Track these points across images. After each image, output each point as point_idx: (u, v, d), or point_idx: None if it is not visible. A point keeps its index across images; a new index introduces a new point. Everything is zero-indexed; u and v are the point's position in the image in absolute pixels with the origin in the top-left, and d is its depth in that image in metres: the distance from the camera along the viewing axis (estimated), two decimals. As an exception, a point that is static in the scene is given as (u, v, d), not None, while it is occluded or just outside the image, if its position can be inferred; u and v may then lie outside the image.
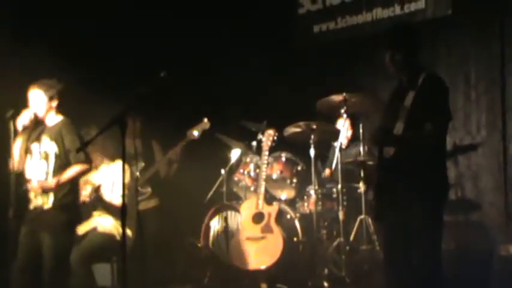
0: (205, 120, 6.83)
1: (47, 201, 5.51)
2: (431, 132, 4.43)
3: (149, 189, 6.86)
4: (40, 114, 5.59)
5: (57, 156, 5.56)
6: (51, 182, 5.49)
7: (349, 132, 7.34)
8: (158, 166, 6.80)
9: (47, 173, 5.56)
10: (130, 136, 6.70)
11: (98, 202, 6.29)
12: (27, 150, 5.63)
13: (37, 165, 5.58)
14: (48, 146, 5.58)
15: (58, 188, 5.48)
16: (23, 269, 5.52)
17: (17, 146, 5.62)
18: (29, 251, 5.52)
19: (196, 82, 8.17)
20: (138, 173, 6.72)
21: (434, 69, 6.92)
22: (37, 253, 5.48)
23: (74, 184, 5.63)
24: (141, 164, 6.84)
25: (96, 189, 6.23)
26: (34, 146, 5.62)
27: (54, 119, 5.66)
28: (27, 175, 5.61)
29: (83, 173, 5.65)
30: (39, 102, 5.59)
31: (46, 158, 5.57)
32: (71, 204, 5.61)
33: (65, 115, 5.70)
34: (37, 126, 5.67)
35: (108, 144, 6.20)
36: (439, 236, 4.55)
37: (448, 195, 4.61)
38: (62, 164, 5.54)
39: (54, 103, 5.63)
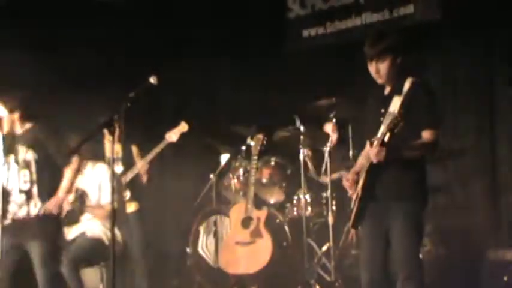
0: (183, 123, 6.82)
1: (33, 210, 5.47)
2: (434, 142, 4.36)
3: (128, 193, 6.83)
4: (5, 127, 5.53)
5: (38, 163, 5.52)
6: (59, 196, 5.46)
7: (335, 136, 7.32)
8: (137, 170, 6.77)
9: (32, 181, 5.51)
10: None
11: (84, 206, 6.27)
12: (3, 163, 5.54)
13: (18, 176, 5.52)
14: (26, 154, 5.53)
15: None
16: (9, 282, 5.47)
17: None
18: (15, 264, 5.47)
19: (182, 84, 8.15)
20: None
21: (423, 72, 6.98)
22: (23, 265, 5.43)
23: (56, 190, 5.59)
24: (120, 168, 6.82)
25: (81, 195, 6.20)
26: (10, 158, 5.56)
27: (22, 127, 5.60)
28: (8, 187, 5.54)
29: (78, 170, 5.61)
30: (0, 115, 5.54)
31: (27, 166, 5.52)
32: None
33: (35, 120, 5.62)
34: (7, 138, 5.58)
35: (86, 147, 6.16)
36: (418, 242, 4.52)
37: (428, 201, 4.56)
38: (46, 169, 5.50)
39: (16, 114, 5.57)
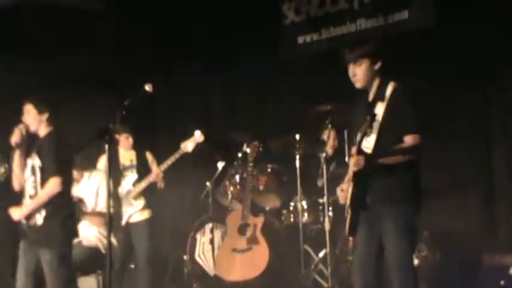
0: (199, 133, 6.80)
1: (39, 217, 5.49)
2: (415, 146, 4.38)
3: (142, 202, 6.83)
4: (32, 128, 5.60)
5: (42, 170, 5.54)
6: (29, 208, 5.49)
7: (335, 143, 7.34)
8: (152, 178, 6.76)
9: (35, 188, 5.54)
10: (127, 149, 6.75)
11: (81, 214, 6.28)
12: (23, 166, 5.61)
13: (29, 180, 5.57)
14: (35, 160, 5.57)
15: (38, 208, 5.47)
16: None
17: (15, 164, 5.60)
18: (30, 269, 5.48)
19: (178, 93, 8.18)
20: (131, 186, 6.72)
21: (418, 77, 7.00)
22: (38, 271, 5.44)
23: (66, 197, 5.60)
24: (135, 176, 6.82)
25: (77, 203, 6.22)
26: (28, 161, 5.61)
27: (44, 131, 5.66)
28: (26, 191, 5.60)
29: (56, 191, 5.59)
30: (30, 116, 5.60)
31: (33, 172, 5.56)
32: (66, 217, 5.58)
33: (55, 126, 5.69)
34: (33, 141, 5.66)
35: (79, 157, 6.17)
36: (411, 245, 4.51)
37: (421, 205, 4.57)
38: (47, 178, 5.52)
39: (44, 116, 5.63)
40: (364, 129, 4.35)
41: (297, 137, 6.74)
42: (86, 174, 6.48)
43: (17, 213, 5.52)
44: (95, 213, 6.32)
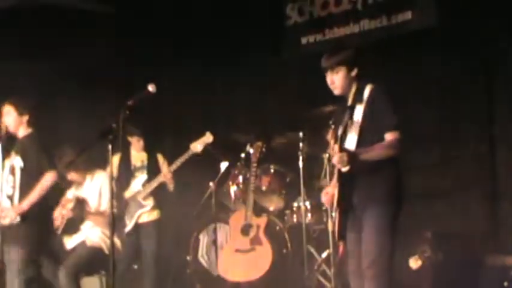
0: (208, 134, 6.80)
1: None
2: (394, 142, 4.46)
3: (151, 202, 6.83)
4: (11, 129, 5.63)
5: (22, 171, 5.57)
6: (24, 205, 5.50)
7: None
8: (162, 178, 6.77)
9: (13, 188, 5.58)
10: (139, 151, 6.85)
11: (85, 214, 6.29)
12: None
13: (6, 180, 5.59)
14: (15, 160, 5.59)
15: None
16: None
17: None
18: None
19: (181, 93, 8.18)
20: (141, 186, 6.72)
21: (421, 79, 7.00)
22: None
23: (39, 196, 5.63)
24: (145, 177, 6.83)
25: (80, 203, 6.23)
26: (6, 161, 5.63)
27: (23, 132, 5.68)
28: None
29: (51, 184, 5.62)
30: (10, 118, 5.64)
31: (13, 172, 5.58)
32: (39, 216, 5.61)
33: (35, 128, 5.71)
34: (13, 141, 5.69)
35: (81, 160, 6.18)
36: (386, 243, 4.51)
37: (401, 205, 4.59)
38: (28, 178, 5.54)
39: (25, 118, 5.66)
40: (344, 129, 4.53)
41: (300, 137, 6.73)
42: (89, 175, 6.49)
43: (11, 213, 5.53)
44: (98, 213, 6.34)
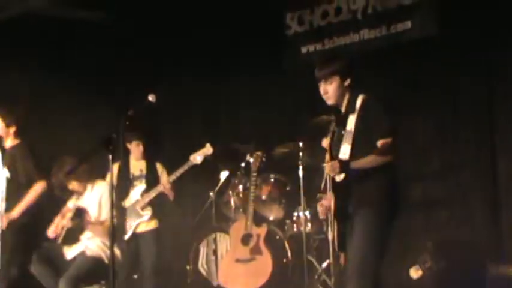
0: (208, 145, 6.80)
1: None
2: (386, 149, 4.45)
3: (149, 212, 6.81)
4: None
5: (9, 181, 5.57)
6: (14, 213, 5.49)
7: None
8: (161, 188, 6.76)
9: (1, 198, 5.57)
10: (138, 158, 6.82)
11: (84, 223, 6.28)
12: None
13: None
14: (1, 171, 5.59)
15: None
16: None
17: None
18: None
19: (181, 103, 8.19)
20: (139, 196, 6.71)
21: (422, 87, 6.99)
22: None
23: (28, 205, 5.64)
24: (144, 186, 6.81)
25: (80, 213, 6.22)
26: None
27: (10, 143, 5.68)
28: None
29: (40, 193, 5.62)
30: None
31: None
32: (27, 225, 5.60)
33: (23, 139, 5.70)
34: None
35: (82, 169, 6.16)
36: (374, 251, 4.47)
37: (396, 214, 4.56)
38: (15, 188, 5.54)
39: (12, 129, 5.66)
40: (336, 139, 4.57)
41: (301, 147, 6.72)
42: (89, 185, 6.48)
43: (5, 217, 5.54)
44: (98, 223, 6.32)
